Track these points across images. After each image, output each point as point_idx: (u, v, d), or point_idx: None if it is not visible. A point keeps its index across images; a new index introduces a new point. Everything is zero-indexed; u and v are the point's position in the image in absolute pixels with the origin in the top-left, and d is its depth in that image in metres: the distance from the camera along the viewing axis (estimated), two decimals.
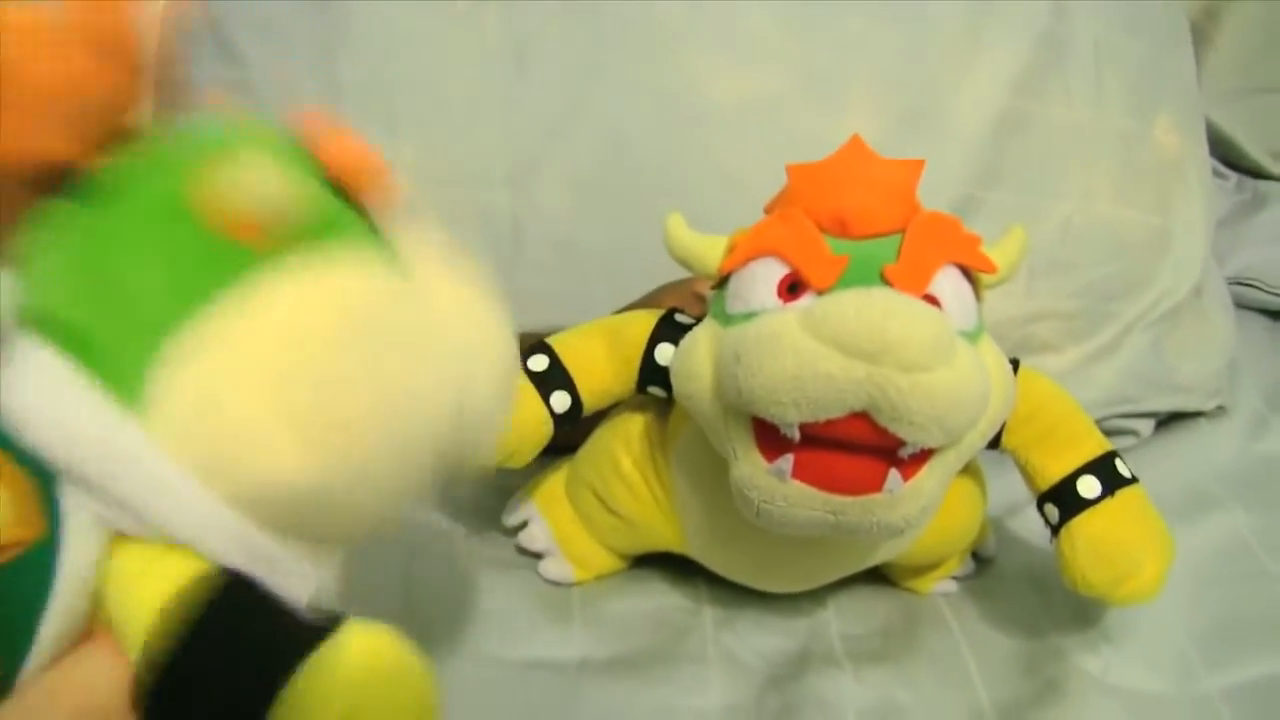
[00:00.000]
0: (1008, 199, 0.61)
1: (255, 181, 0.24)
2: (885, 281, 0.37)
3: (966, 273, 0.39)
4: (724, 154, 0.59)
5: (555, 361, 0.45)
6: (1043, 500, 0.45)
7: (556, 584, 0.50)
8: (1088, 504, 0.43)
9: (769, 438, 0.37)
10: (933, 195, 0.58)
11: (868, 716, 0.44)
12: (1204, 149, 0.69)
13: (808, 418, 0.35)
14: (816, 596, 0.50)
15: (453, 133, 0.59)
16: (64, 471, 0.23)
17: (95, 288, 0.24)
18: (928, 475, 0.37)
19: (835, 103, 0.60)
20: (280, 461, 0.23)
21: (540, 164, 0.59)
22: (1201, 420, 0.64)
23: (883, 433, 0.35)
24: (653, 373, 0.44)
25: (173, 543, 0.24)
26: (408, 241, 0.28)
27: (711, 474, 0.41)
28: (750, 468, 0.38)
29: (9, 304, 0.23)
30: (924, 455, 0.37)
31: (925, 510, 0.38)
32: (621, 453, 0.47)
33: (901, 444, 0.35)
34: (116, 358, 0.23)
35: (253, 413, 0.23)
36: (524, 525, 0.51)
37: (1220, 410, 0.65)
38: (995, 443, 0.44)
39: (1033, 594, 0.51)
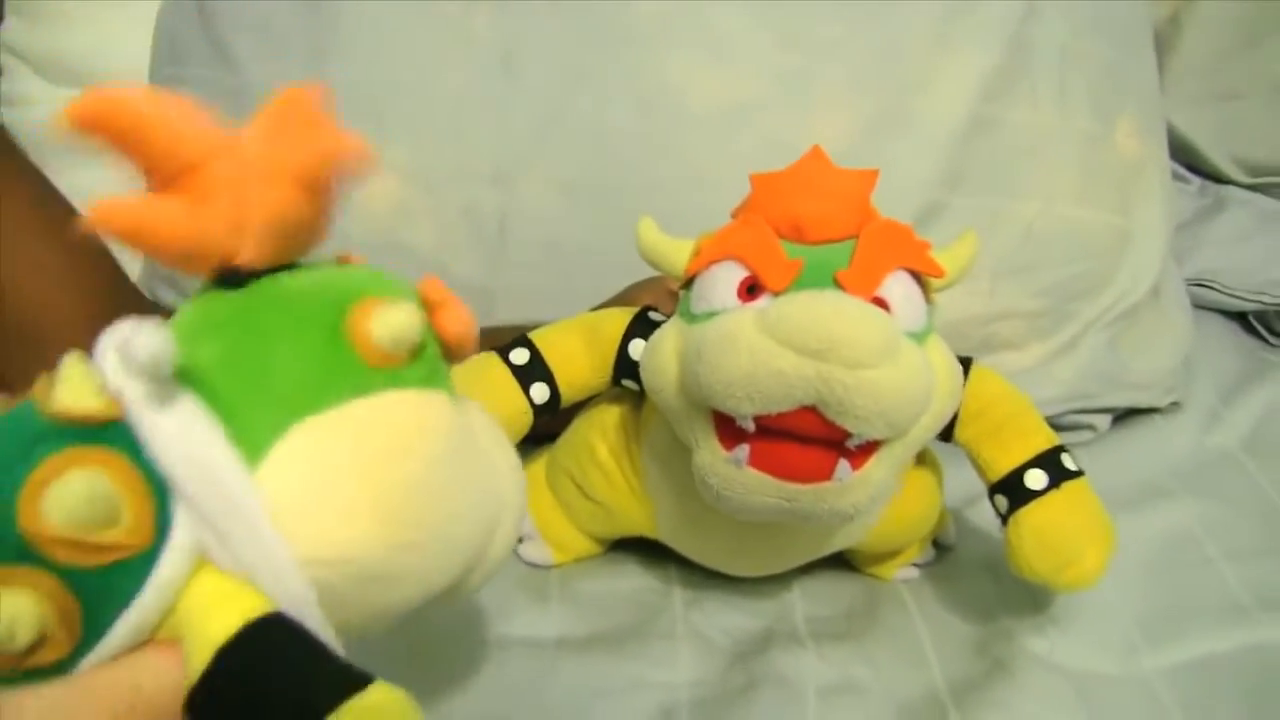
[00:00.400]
0: (973, 201, 0.63)
1: (402, 323, 0.29)
2: (837, 285, 0.39)
3: (917, 277, 0.42)
4: (702, 156, 0.61)
5: (535, 355, 0.48)
6: (993, 491, 0.47)
7: (536, 566, 0.53)
8: (1034, 495, 0.46)
9: (727, 428, 0.39)
10: (901, 198, 0.61)
11: (828, 693, 0.46)
12: (1164, 152, 0.71)
13: (760, 410, 0.37)
14: (782, 580, 0.52)
15: (441, 133, 0.61)
16: (181, 497, 0.27)
17: (250, 363, 0.28)
18: (876, 465, 0.40)
19: (809, 106, 0.62)
20: (359, 538, 0.28)
21: (526, 165, 0.61)
22: (1156, 416, 0.67)
23: (830, 425, 0.37)
24: (627, 367, 0.47)
25: (249, 581, 0.28)
26: (465, 398, 0.34)
27: (680, 462, 0.44)
28: (710, 456, 0.40)
29: (169, 352, 0.27)
30: (871, 446, 0.39)
31: (875, 498, 0.41)
32: (598, 441, 0.49)
33: (848, 436, 0.38)
34: (250, 423, 0.28)
35: (348, 497, 0.28)
36: None
37: (1175, 406, 0.67)
38: (948, 436, 0.47)
39: (987, 580, 0.53)
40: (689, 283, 0.43)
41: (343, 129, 0.29)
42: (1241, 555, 0.55)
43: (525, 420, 0.48)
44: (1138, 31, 0.72)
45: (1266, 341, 0.75)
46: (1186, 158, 0.85)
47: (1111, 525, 0.47)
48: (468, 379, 0.47)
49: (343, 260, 0.33)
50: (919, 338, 0.41)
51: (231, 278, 0.29)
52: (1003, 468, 0.46)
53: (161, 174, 0.28)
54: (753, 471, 0.39)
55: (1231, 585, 0.53)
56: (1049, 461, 0.46)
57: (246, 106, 0.66)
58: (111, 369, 0.27)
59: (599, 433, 0.50)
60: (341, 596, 0.29)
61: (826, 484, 0.39)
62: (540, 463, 0.53)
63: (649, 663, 0.47)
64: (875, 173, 0.43)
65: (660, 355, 0.42)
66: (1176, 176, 0.83)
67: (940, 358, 0.42)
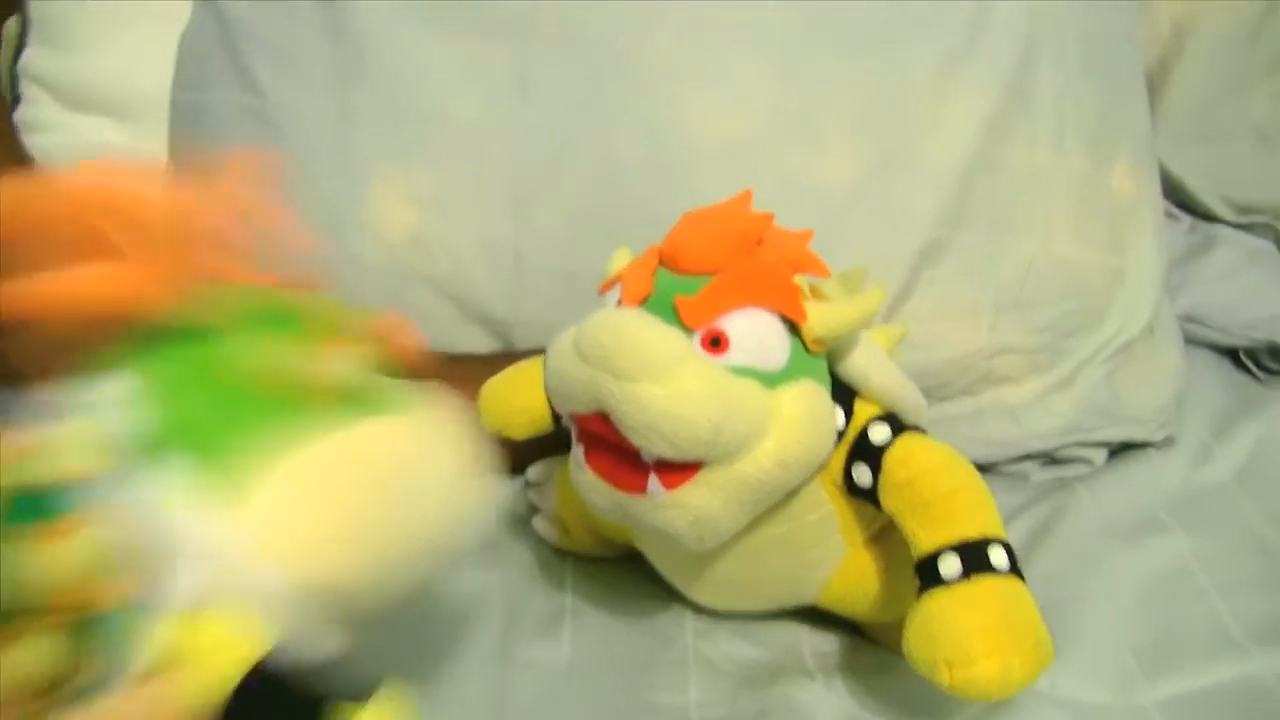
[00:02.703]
0: (975, 238, 0.64)
1: (337, 358, 0.32)
2: (674, 309, 0.42)
3: (791, 322, 0.43)
4: (710, 190, 0.61)
5: None
6: (916, 571, 0.44)
7: (542, 540, 0.57)
8: (941, 582, 0.42)
9: (579, 431, 0.43)
10: (905, 235, 0.63)
11: None
12: (1158, 193, 0.73)
13: (567, 409, 0.42)
14: (790, 614, 0.53)
15: (459, 162, 0.62)
16: (166, 552, 0.29)
17: (219, 418, 0.30)
18: (694, 490, 0.41)
19: (815, 144, 0.64)
20: (336, 568, 0.30)
21: (541, 195, 0.62)
22: (1151, 450, 0.68)
23: (617, 433, 0.40)
24: None
25: (247, 613, 0.30)
26: (415, 402, 0.36)
27: None
28: (572, 456, 0.45)
29: (132, 420, 0.29)
30: (685, 469, 0.41)
31: (700, 523, 0.42)
32: None
33: (636, 447, 0.40)
34: (222, 472, 0.29)
35: (322, 533, 0.30)
36: (541, 484, 0.58)
37: (1169, 440, 0.69)
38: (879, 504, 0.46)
39: None
40: None
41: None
42: (1233, 588, 0.57)
43: (538, 417, 0.52)
44: (1130, 76, 0.74)
45: (1255, 377, 0.76)
46: (1177, 196, 0.86)
47: (1037, 636, 0.42)
48: (513, 378, 0.53)
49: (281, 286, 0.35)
50: (768, 378, 0.42)
51: (164, 334, 0.31)
52: (923, 547, 0.44)
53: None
54: (589, 472, 0.42)
55: (1224, 618, 0.55)
56: (972, 552, 0.43)
57: (269, 131, 0.68)
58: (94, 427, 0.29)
59: None
60: (326, 613, 0.31)
61: (641, 497, 0.41)
62: None
63: (659, 688, 0.49)
64: (766, 217, 0.45)
65: None
66: (1167, 214, 0.84)
67: (799, 404, 0.42)
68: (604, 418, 0.40)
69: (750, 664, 0.51)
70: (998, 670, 0.41)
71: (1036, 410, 0.65)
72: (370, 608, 0.33)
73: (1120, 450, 0.68)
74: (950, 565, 0.42)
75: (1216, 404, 0.73)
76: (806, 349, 0.44)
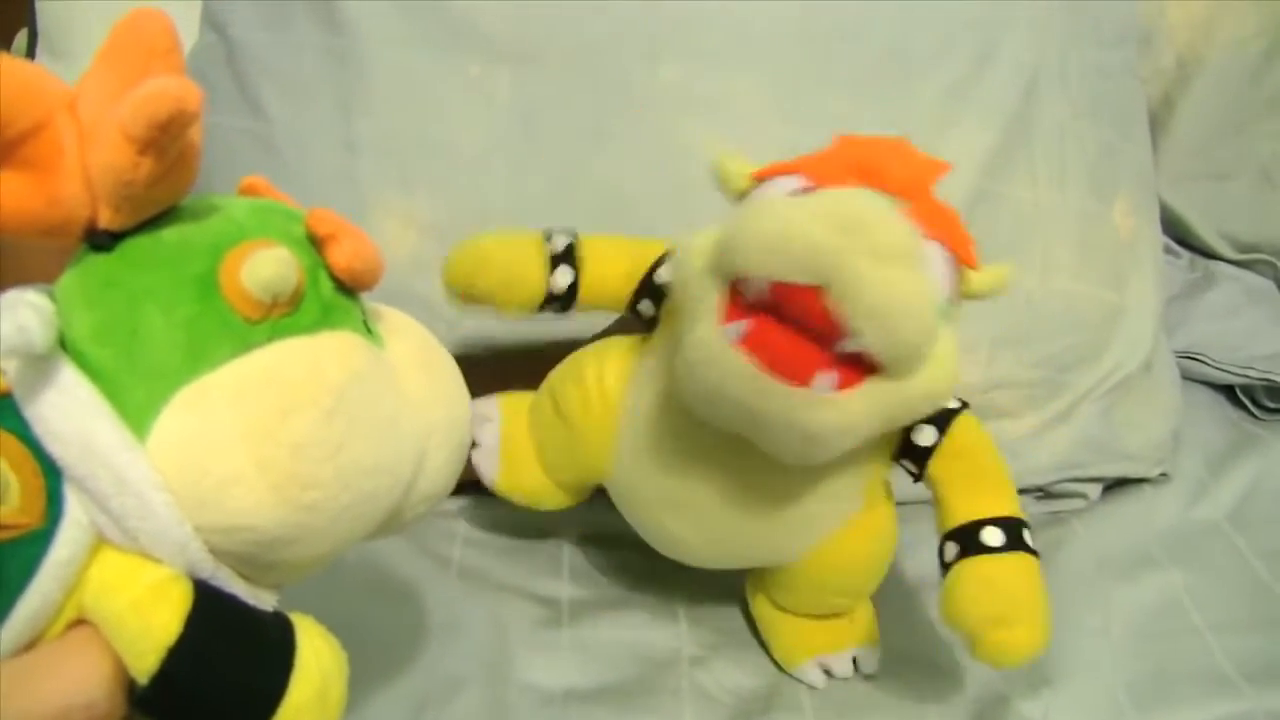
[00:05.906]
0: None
1: (273, 272, 0.28)
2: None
3: (952, 265, 0.43)
4: (710, 220, 0.63)
5: (572, 247, 0.53)
6: (946, 538, 0.46)
7: (479, 477, 0.55)
8: (987, 550, 0.44)
9: (736, 304, 0.39)
10: None
11: None
12: (1158, 230, 0.74)
13: (777, 275, 0.36)
14: None
15: (461, 189, 0.63)
16: (70, 478, 0.27)
17: (124, 335, 0.28)
18: (858, 397, 0.38)
19: None
20: (251, 506, 0.27)
21: (541, 221, 0.62)
22: (1146, 486, 0.69)
23: (828, 315, 0.36)
24: (649, 291, 0.51)
25: (148, 557, 0.28)
26: (387, 326, 0.33)
27: (664, 397, 0.47)
28: (707, 329, 0.39)
29: (49, 329, 0.27)
30: (858, 370, 0.38)
31: (845, 432, 0.39)
32: (589, 364, 0.52)
33: (841, 336, 0.36)
34: (131, 395, 0.27)
35: (237, 463, 0.27)
36: (489, 421, 0.56)
37: (1164, 477, 0.69)
38: (920, 472, 0.47)
39: None
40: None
41: (173, 71, 0.28)
42: (1226, 627, 0.57)
43: (538, 297, 0.52)
44: (1134, 113, 0.75)
45: (1253, 415, 0.76)
46: (1177, 232, 0.87)
47: (1049, 620, 0.44)
48: (511, 245, 0.53)
49: (246, 190, 0.33)
50: (940, 312, 0.40)
51: (105, 238, 0.28)
52: (963, 516, 0.46)
53: (2, 142, 0.26)
54: (738, 353, 0.38)
55: (1217, 656, 0.55)
56: (1010, 528, 0.45)
57: (275, 154, 0.68)
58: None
59: (593, 358, 0.53)
60: (249, 559, 0.29)
61: (801, 390, 0.37)
62: (530, 393, 0.56)
63: (655, 716, 0.48)
64: (945, 164, 0.45)
65: (701, 236, 0.42)
66: (1167, 250, 0.85)
67: (951, 344, 0.41)
68: (815, 294, 0.36)
69: (745, 693, 0.51)
70: (1028, 636, 0.43)
71: (1033, 445, 0.65)
72: (304, 562, 0.30)
73: (1115, 486, 0.68)
74: (994, 535, 0.45)
75: (1213, 442, 0.73)
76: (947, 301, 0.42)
